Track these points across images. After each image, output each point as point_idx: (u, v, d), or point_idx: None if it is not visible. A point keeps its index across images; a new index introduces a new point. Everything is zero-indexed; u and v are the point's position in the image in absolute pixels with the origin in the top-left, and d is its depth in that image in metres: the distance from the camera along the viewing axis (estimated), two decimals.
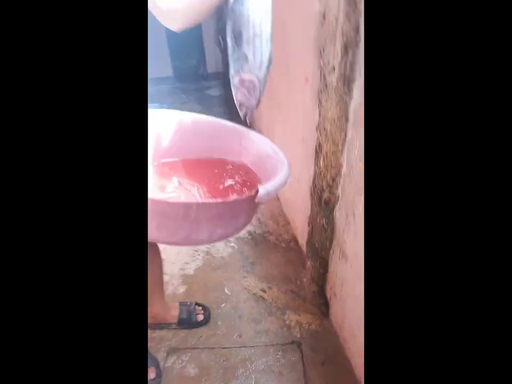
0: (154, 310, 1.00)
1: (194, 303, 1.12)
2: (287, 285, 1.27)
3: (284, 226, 1.59)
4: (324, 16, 0.81)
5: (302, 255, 1.43)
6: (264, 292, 1.24)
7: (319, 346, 1.01)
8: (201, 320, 1.08)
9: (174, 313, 1.07)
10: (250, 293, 1.21)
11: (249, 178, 0.75)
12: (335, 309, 1.06)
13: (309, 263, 1.17)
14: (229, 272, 1.30)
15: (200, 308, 1.12)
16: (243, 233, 1.63)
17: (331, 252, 1.02)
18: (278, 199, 1.75)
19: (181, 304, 1.10)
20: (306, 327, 1.08)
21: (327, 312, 1.11)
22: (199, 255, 1.38)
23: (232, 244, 1.51)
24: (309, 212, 1.10)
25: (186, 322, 1.05)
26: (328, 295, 1.10)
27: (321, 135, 0.90)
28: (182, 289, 1.23)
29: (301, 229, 1.40)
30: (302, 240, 1.39)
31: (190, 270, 1.31)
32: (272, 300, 1.20)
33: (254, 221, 1.69)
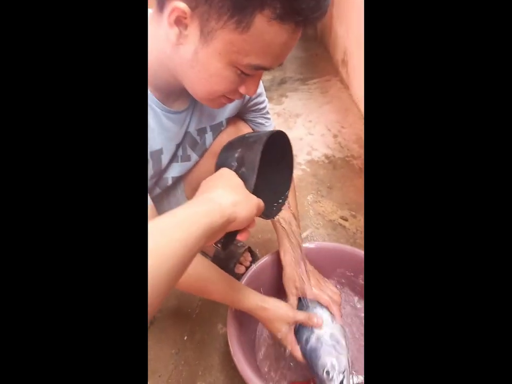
0: None
1: (245, 247, 0.91)
2: None
3: None
4: None
5: None
6: (346, 220, 1.08)
7: None
8: (239, 274, 0.85)
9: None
10: (326, 219, 1.09)
11: None
12: None
13: None
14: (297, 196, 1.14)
15: (249, 255, 0.91)
16: (317, 155, 1.38)
17: None
18: None
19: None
20: None
21: None
22: None
23: (303, 167, 1.31)
24: None
25: (220, 265, 0.70)
26: None
27: None
28: None
29: None
30: None
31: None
32: (357, 229, 1.04)
33: (332, 145, 1.42)
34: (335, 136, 1.48)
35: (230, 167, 0.45)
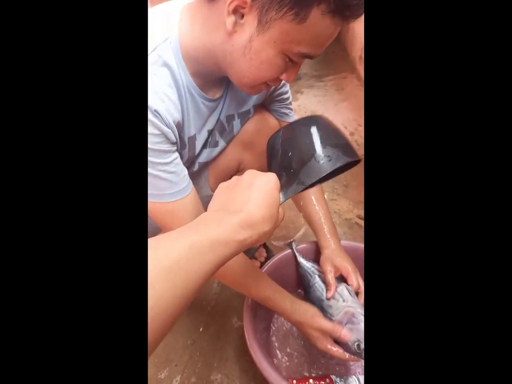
0: None
1: (260, 244, 0.91)
2: None
3: None
4: None
5: None
6: (362, 219, 1.08)
7: None
8: None
9: None
10: (342, 218, 1.10)
11: None
12: None
13: None
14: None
15: (264, 251, 0.94)
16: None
17: None
18: None
19: None
20: None
21: None
22: None
23: None
24: None
25: None
26: None
27: None
28: None
29: None
30: None
31: None
32: None
33: None
34: (351, 134, 1.47)
35: (277, 152, 0.42)
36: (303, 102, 1.81)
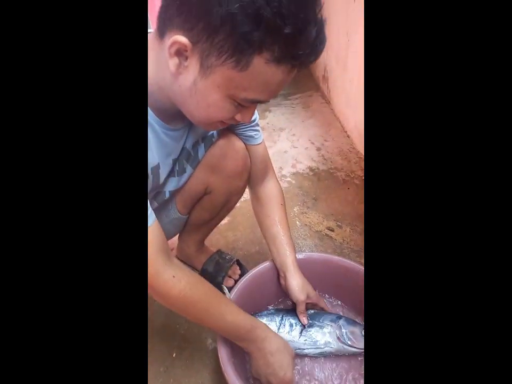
0: (186, 249, 0.90)
1: (234, 260, 0.91)
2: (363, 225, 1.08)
3: (357, 163, 1.35)
4: None
5: None
6: (332, 230, 1.10)
7: None
8: (228, 286, 0.82)
9: (203, 258, 0.91)
10: (313, 230, 1.11)
11: None
12: None
13: None
14: None
15: (238, 268, 0.92)
16: (302, 168, 1.42)
17: None
18: (348, 136, 1.54)
19: (216, 253, 0.92)
20: None
21: None
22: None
23: (288, 179, 1.36)
24: None
25: (209, 278, 0.75)
26: None
27: None
28: (224, 220, 0.95)
29: None
30: None
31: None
32: (343, 240, 1.07)
33: (316, 157, 1.47)
34: (318, 149, 1.52)
35: None
36: (272, 119, 1.85)
